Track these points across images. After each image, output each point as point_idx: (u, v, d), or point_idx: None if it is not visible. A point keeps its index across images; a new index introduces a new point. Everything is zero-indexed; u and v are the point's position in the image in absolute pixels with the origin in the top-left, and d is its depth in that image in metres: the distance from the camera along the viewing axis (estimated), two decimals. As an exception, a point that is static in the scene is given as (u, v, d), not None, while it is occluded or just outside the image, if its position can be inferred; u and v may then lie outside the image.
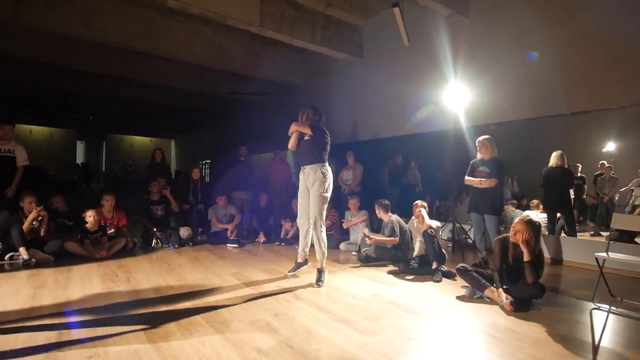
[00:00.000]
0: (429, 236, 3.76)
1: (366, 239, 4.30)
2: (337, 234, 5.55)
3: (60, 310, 2.70)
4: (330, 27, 6.88)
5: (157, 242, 5.23)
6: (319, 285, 3.36)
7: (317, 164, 3.48)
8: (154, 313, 2.68)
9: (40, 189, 5.03)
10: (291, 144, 3.62)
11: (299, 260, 3.78)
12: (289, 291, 3.26)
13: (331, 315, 2.69)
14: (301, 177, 3.59)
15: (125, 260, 4.37)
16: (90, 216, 4.53)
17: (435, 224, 3.91)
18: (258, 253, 5.05)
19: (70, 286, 3.30)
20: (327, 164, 3.54)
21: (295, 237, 5.72)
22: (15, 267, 3.98)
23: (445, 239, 5.42)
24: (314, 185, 3.45)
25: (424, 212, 3.90)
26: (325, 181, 3.46)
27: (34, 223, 4.47)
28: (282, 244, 5.60)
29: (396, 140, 6.86)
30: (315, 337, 2.30)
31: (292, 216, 5.86)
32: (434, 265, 3.72)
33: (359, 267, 4.27)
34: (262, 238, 5.76)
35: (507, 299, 2.81)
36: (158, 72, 8.77)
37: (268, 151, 9.87)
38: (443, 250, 3.91)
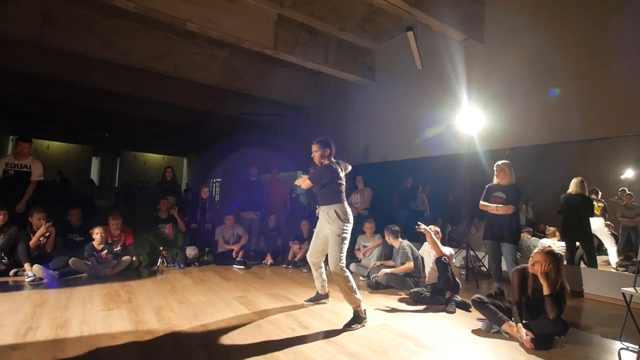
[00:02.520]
0: (443, 264, 3.60)
1: (382, 274, 4.14)
2: (347, 258, 5.39)
3: (57, 332, 2.61)
4: (343, 50, 6.95)
5: (163, 261, 5.16)
6: (345, 330, 2.89)
7: (331, 205, 3.20)
8: (152, 339, 2.56)
9: (60, 202, 5.06)
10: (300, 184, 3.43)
11: (320, 292, 3.63)
12: (294, 318, 3.12)
13: (338, 347, 2.54)
14: (320, 215, 3.36)
15: (129, 280, 4.29)
16: (97, 233, 4.51)
17: (448, 250, 3.76)
18: (265, 276, 4.92)
19: (71, 306, 3.22)
20: (344, 203, 3.23)
21: (303, 260, 5.60)
22: (19, 284, 3.93)
23: (458, 266, 5.21)
24: (330, 227, 3.19)
25: (437, 239, 3.75)
26: (343, 223, 3.14)
27: (41, 239, 4.47)
28: (290, 266, 5.46)
29: (407, 163, 6.77)
30: (320, 371, 2.16)
31: (300, 238, 5.76)
32: (447, 295, 3.54)
33: (368, 294, 4.10)
34: (269, 260, 5.64)
35: (527, 335, 2.62)
36: (174, 92, 8.95)
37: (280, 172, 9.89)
38: (457, 279, 3.74)
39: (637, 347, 2.68)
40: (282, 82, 8.31)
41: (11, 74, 7.89)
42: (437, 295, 3.67)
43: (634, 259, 3.02)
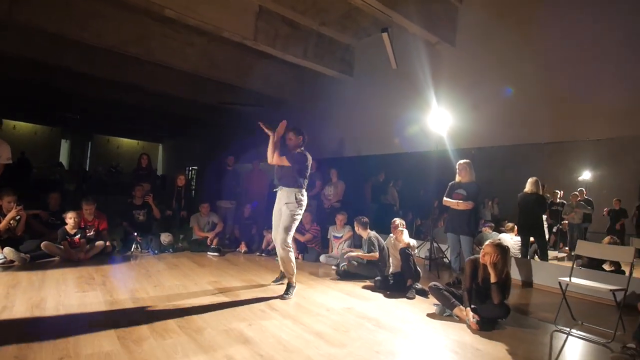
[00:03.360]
0: (406, 254, 3.88)
1: (347, 256, 4.38)
2: (318, 248, 5.63)
3: (32, 311, 2.69)
4: (323, 44, 7.09)
5: (137, 247, 5.21)
6: (283, 298, 3.43)
7: (293, 188, 3.53)
8: (127, 317, 2.69)
9: (22, 186, 5.00)
10: (270, 157, 3.60)
11: (285, 280, 3.80)
12: (264, 301, 3.32)
13: (303, 326, 2.76)
14: (278, 195, 3.64)
15: (102, 264, 4.35)
16: (70, 218, 4.52)
17: (412, 242, 4.04)
18: (238, 263, 5.08)
19: (45, 287, 3.28)
20: (304, 189, 3.59)
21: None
22: (-11, 266, 3.93)
23: (423, 257, 5.55)
24: (287, 207, 3.51)
25: (405, 231, 4.02)
26: (298, 207, 3.52)
27: (11, 222, 4.44)
28: (263, 254, 5.64)
29: (380, 158, 7.03)
30: (286, 347, 2.36)
31: (275, 227, 5.93)
32: (409, 283, 3.83)
33: (336, 281, 4.34)
34: (243, 248, 5.79)
35: (473, 317, 2.93)
36: (150, 77, 8.80)
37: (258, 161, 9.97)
38: (418, 268, 4.03)
39: (568, 329, 3.04)
40: (261, 73, 8.35)
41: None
42: (399, 283, 3.95)
43: (572, 253, 3.38)
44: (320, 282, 4.28)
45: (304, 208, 3.59)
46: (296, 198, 3.51)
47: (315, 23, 6.62)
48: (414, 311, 3.33)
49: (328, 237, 5.58)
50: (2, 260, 4.03)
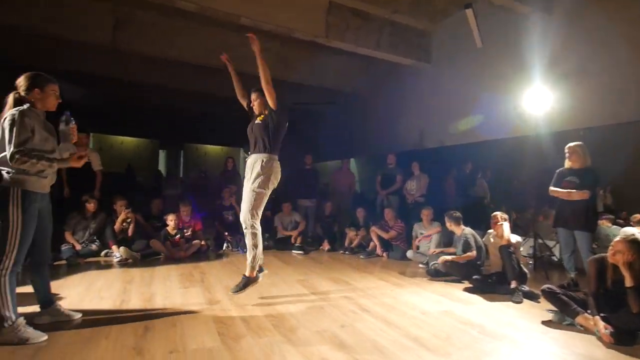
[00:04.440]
0: (507, 252, 3.45)
1: (442, 261, 4.06)
2: (403, 245, 5.37)
3: (145, 305, 2.94)
4: (397, 33, 6.75)
5: (228, 246, 5.51)
6: (234, 292, 2.93)
7: (263, 153, 2.94)
8: (225, 314, 2.79)
9: (130, 193, 5.61)
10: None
11: (246, 272, 3.06)
12: (353, 301, 3.21)
13: (399, 330, 2.58)
14: (247, 164, 3.02)
15: (199, 262, 4.66)
16: (171, 220, 4.94)
17: (515, 238, 3.59)
18: (323, 261, 5.07)
19: (154, 283, 3.59)
20: (276, 156, 2.98)
21: (360, 246, 5.67)
22: (109, 263, 4.45)
23: (526, 255, 4.95)
24: (252, 178, 2.90)
25: (506, 226, 3.58)
26: (264, 177, 2.87)
27: (124, 224, 4.99)
28: (347, 252, 5.56)
29: (466, 148, 6.47)
30: (383, 353, 2.21)
31: (357, 225, 5.82)
32: (513, 284, 3.40)
33: (427, 281, 4.06)
34: (326, 246, 5.79)
35: (605, 328, 2.46)
36: (228, 86, 9.31)
37: (333, 159, 9.99)
38: (524, 269, 3.57)
39: None
40: (333, 69, 8.29)
41: (87, 77, 8.73)
42: (502, 284, 3.54)
43: None
44: (410, 281, 4.04)
45: (274, 180, 2.97)
46: (261, 166, 2.91)
47: (387, 11, 6.33)
48: (524, 317, 2.93)
49: (413, 234, 5.28)
50: (119, 258, 4.54)
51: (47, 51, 7.15)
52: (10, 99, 2.22)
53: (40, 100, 2.24)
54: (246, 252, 5.26)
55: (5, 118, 2.10)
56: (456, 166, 6.92)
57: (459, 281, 3.98)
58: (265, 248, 5.60)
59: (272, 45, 7.65)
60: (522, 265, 3.57)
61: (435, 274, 4.13)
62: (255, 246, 2.95)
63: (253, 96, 3.15)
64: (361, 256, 5.33)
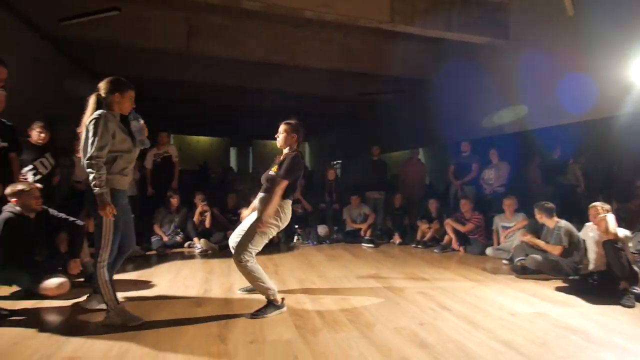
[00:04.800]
0: (614, 248, 2.99)
1: (524, 242, 3.68)
2: (482, 239, 4.99)
3: (226, 294, 3.09)
4: (469, 10, 6.23)
5: (298, 239, 5.61)
6: (253, 317, 2.55)
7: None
8: (300, 306, 2.81)
9: (206, 188, 6.00)
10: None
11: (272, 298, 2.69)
12: (431, 298, 3.03)
13: (486, 332, 2.37)
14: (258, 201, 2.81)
15: (272, 254, 4.80)
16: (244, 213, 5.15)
17: (622, 232, 3.10)
18: (394, 254, 4.92)
19: (232, 274, 3.75)
20: (286, 198, 2.68)
21: (434, 240, 5.41)
22: (191, 254, 4.78)
23: (634, 252, 4.28)
24: (259, 212, 2.66)
25: (610, 218, 3.11)
26: (275, 219, 2.62)
27: (201, 217, 5.32)
28: (419, 246, 5.33)
29: (553, 131, 5.78)
30: (470, 355, 2.04)
31: (429, 217, 5.55)
32: (623, 286, 2.94)
33: (513, 279, 3.71)
34: (397, 239, 5.61)
35: None
36: (293, 81, 9.46)
37: (401, 150, 9.66)
38: (634, 267, 3.07)
39: None
40: (399, 56, 7.95)
41: (163, 82, 9.49)
42: (606, 285, 3.09)
43: None
44: (492, 278, 3.73)
45: (284, 222, 2.72)
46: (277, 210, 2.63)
47: (458, -12, 5.87)
48: (638, 324, 2.52)
49: (493, 228, 4.88)
50: (200, 249, 4.86)
51: (130, 60, 7.91)
52: (92, 100, 2.38)
53: (118, 103, 2.39)
54: (316, 244, 5.39)
55: (91, 121, 2.26)
56: (541, 152, 6.23)
57: (550, 280, 3.57)
58: (334, 241, 5.67)
59: (335, 36, 7.58)
60: (631, 264, 3.08)
61: (523, 271, 3.75)
62: (256, 282, 2.59)
63: (280, 129, 2.82)
64: (435, 250, 5.07)
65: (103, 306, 2.43)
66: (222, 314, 2.64)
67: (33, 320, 2.46)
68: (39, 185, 3.22)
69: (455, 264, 4.40)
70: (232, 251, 2.75)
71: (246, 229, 2.72)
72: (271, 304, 2.62)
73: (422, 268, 4.10)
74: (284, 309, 2.65)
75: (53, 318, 2.59)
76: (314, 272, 3.90)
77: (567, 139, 5.77)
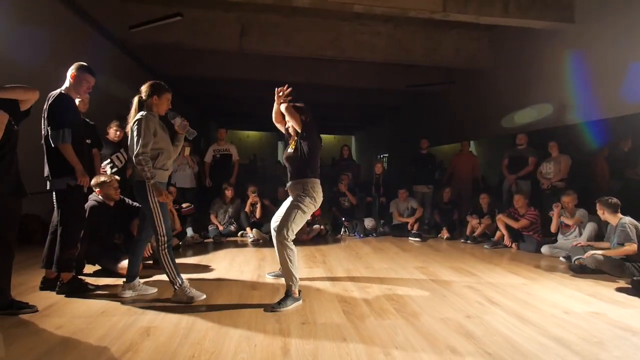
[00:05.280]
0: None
1: (589, 255, 3.49)
2: (538, 235, 4.78)
3: (278, 280, 3.29)
4: (528, -6, 5.90)
5: (345, 231, 5.73)
6: (273, 310, 2.53)
7: (302, 178, 2.79)
8: (348, 294, 2.94)
9: (255, 180, 6.32)
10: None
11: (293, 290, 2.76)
12: (479, 293, 3.01)
13: (536, 328, 2.34)
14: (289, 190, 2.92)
15: (320, 245, 4.97)
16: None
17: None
18: (442, 249, 4.87)
19: (282, 262, 3.98)
20: (317, 179, 2.81)
21: (484, 236, 5.28)
22: (244, 243, 5.10)
23: None
24: (295, 197, 2.80)
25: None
26: (310, 199, 2.74)
27: (252, 208, 5.62)
28: (468, 241, 5.22)
29: (621, 121, 5.32)
30: (520, 351, 2.03)
31: (480, 212, 5.40)
32: (696, 289, 2.72)
33: (570, 277, 3.55)
34: (445, 234, 5.54)
35: None
36: (342, 75, 9.54)
37: (451, 142, 9.39)
38: None
39: None
40: (449, 46, 7.72)
41: (216, 80, 10.00)
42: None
43: None
44: (547, 276, 3.60)
45: (318, 202, 2.82)
46: (303, 189, 2.76)
47: (515, -30, 5.57)
48: None
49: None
50: (252, 238, 5.16)
51: (189, 61, 8.45)
52: (135, 101, 2.64)
53: (156, 105, 2.63)
54: (362, 237, 5.47)
55: (135, 122, 2.54)
56: (608, 144, 5.77)
57: (611, 280, 3.38)
58: (381, 234, 5.72)
59: (385, 28, 7.54)
60: None
61: (581, 270, 3.58)
62: (285, 264, 2.67)
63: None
64: (485, 246, 4.94)
65: (134, 295, 2.75)
66: (275, 297, 2.83)
67: (114, 294, 2.82)
68: (117, 177, 3.63)
69: (507, 261, 4.28)
70: (273, 233, 2.92)
71: (285, 211, 2.82)
72: (289, 296, 2.65)
73: (471, 263, 4.05)
74: (301, 301, 2.70)
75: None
76: (360, 263, 4.00)
77: (637, 129, 5.30)
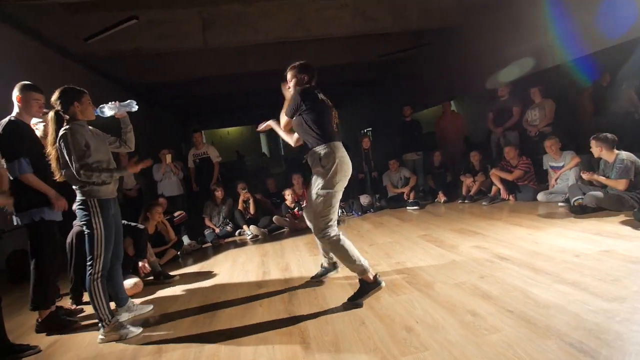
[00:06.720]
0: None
1: (579, 183, 3.49)
2: (533, 184, 4.79)
3: (284, 273, 3.22)
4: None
5: (342, 212, 5.67)
6: (355, 305, 2.31)
7: (314, 147, 2.40)
8: (357, 276, 2.87)
9: (243, 176, 6.18)
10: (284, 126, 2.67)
11: (324, 263, 2.87)
12: (489, 251, 2.99)
13: (550, 276, 2.32)
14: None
15: (320, 230, 4.90)
16: (288, 194, 5.29)
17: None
18: (441, 213, 4.86)
19: (285, 254, 3.91)
20: (329, 142, 2.38)
21: (480, 193, 5.27)
22: (244, 241, 5.00)
23: None
24: (313, 177, 2.44)
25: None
26: (324, 169, 2.34)
27: (244, 204, 5.50)
28: (466, 201, 5.21)
29: (600, 56, 5.29)
30: (537, 301, 2.01)
31: (473, 171, 5.38)
32: (698, 210, 2.74)
33: (572, 220, 3.56)
34: (442, 198, 5.51)
35: None
36: (312, 55, 9.29)
37: (432, 106, 9.32)
38: None
39: None
40: (418, 8, 7.53)
41: (188, 81, 9.66)
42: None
43: None
44: (550, 223, 3.59)
45: (340, 170, 2.36)
46: (318, 158, 2.36)
47: None
48: None
49: (545, 168, 4.66)
50: (251, 235, 5.06)
51: (156, 67, 8.12)
52: (51, 116, 2.30)
53: (81, 112, 2.31)
54: (360, 214, 5.41)
55: (59, 139, 2.23)
56: (587, 81, 5.76)
57: (613, 215, 3.39)
58: (378, 209, 5.67)
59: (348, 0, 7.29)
60: None
61: (582, 211, 3.58)
62: (344, 259, 2.38)
63: (288, 76, 2.67)
64: (483, 203, 4.94)
65: (131, 317, 2.60)
66: (284, 291, 2.76)
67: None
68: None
69: (507, 214, 4.28)
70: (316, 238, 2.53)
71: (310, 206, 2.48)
72: (365, 285, 2.34)
73: (473, 222, 4.03)
74: (382, 284, 2.35)
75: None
76: (364, 241, 3.95)
77: (617, 62, 5.29)
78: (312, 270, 3.17)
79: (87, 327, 2.60)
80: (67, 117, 2.31)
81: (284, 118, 2.59)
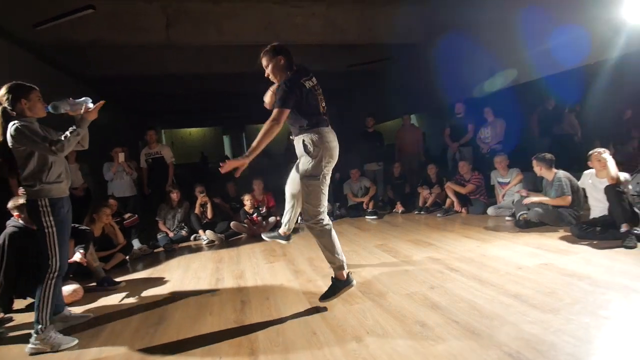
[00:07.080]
0: (616, 192, 3.03)
1: (524, 199, 3.73)
2: (484, 198, 5.04)
3: (238, 282, 3.14)
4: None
5: (300, 219, 5.63)
6: (323, 299, 2.39)
7: (300, 134, 2.34)
8: (312, 284, 2.87)
9: (206, 179, 5.98)
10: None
11: (280, 230, 2.85)
12: (440, 262, 3.09)
13: (495, 288, 2.43)
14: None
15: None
16: (247, 200, 5.18)
17: (623, 176, 3.13)
18: (398, 224, 4.97)
19: (241, 261, 3.82)
20: (314, 127, 2.32)
21: (435, 205, 5.46)
22: (199, 246, 4.83)
23: (634, 194, 4.33)
24: (300, 163, 2.36)
25: (611, 163, 3.12)
26: (310, 156, 2.28)
27: (202, 208, 5.33)
28: (422, 212, 5.38)
29: (546, 81, 5.71)
30: (482, 312, 2.10)
31: (429, 183, 5.58)
32: (624, 228, 3.00)
33: (517, 233, 3.77)
34: (399, 208, 5.66)
35: None
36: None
37: (394, 118, 9.59)
38: (635, 209, 3.12)
39: None
40: (384, 23, 7.74)
41: (148, 78, 9.28)
42: (608, 229, 3.15)
43: None
44: (496, 236, 3.79)
45: (324, 155, 2.29)
46: (303, 144, 2.31)
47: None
48: (642, 263, 2.58)
49: (492, 183, 4.93)
50: (206, 241, 4.90)
51: (116, 60, 7.72)
52: None
53: (30, 109, 2.20)
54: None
55: (14, 135, 2.10)
56: (535, 105, 6.20)
57: (553, 230, 3.64)
58: (338, 217, 5.71)
59: (318, 9, 7.36)
60: (632, 206, 3.12)
61: (525, 225, 3.82)
62: (327, 249, 2.40)
63: (263, 63, 2.49)
64: (438, 215, 5.12)
65: (67, 326, 2.41)
66: (237, 300, 2.69)
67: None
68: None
69: (459, 226, 4.46)
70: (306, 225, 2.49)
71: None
72: (337, 283, 2.36)
73: (427, 233, 4.16)
74: (354, 283, 2.37)
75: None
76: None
77: (561, 89, 5.72)
78: (268, 278, 3.13)
79: (16, 339, 2.38)
80: (15, 114, 2.18)
81: (268, 97, 2.52)
